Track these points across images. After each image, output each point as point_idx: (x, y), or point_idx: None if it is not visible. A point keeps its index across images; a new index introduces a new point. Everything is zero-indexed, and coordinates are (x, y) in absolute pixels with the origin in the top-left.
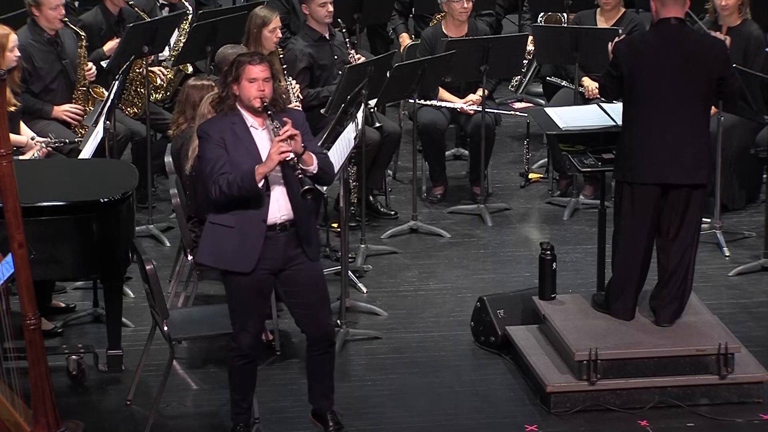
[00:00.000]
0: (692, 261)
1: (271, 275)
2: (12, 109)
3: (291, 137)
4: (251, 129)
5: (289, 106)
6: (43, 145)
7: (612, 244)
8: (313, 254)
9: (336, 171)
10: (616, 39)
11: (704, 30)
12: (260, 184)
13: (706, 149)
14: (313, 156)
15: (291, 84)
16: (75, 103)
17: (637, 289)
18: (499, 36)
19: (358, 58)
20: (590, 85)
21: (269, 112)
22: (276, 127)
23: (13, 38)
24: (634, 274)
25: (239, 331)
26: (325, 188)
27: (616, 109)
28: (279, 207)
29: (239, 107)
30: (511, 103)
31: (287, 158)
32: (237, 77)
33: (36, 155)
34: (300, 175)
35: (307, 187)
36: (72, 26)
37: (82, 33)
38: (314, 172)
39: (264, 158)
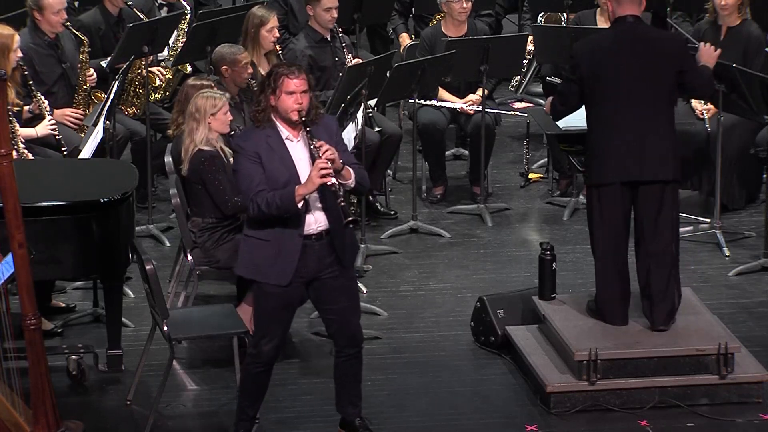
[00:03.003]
0: (676, 259)
1: (302, 285)
2: (16, 109)
3: (331, 159)
4: (286, 141)
5: None
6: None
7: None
8: (347, 261)
9: None
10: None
11: (688, 37)
12: (299, 205)
13: (672, 144)
14: (351, 170)
15: None
16: (76, 107)
17: (622, 295)
18: (499, 36)
19: (356, 62)
20: None
21: (308, 129)
22: (315, 148)
23: (16, 39)
24: (615, 281)
25: (262, 338)
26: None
27: None
28: (315, 218)
29: (274, 118)
30: (511, 103)
31: (328, 183)
32: (275, 89)
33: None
34: (342, 203)
35: (350, 218)
36: (74, 30)
37: (84, 38)
38: (352, 186)
39: (299, 169)
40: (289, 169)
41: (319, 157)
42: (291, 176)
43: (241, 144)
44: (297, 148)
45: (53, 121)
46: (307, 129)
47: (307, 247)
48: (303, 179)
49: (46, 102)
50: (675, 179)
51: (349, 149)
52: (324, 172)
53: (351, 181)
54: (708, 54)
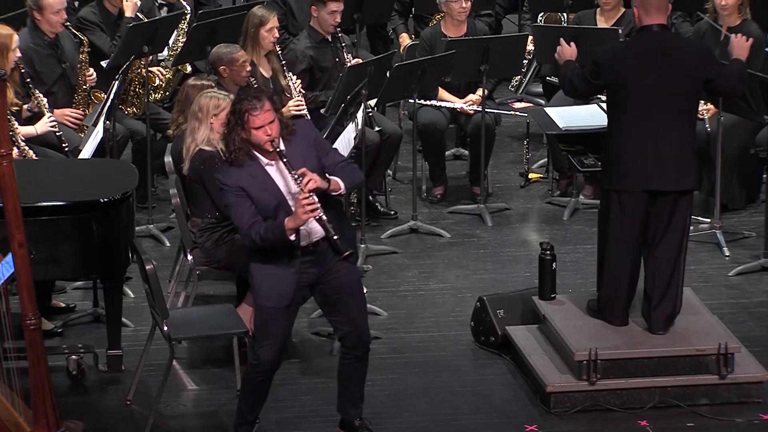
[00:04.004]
0: (680, 266)
1: (305, 288)
2: (14, 108)
3: (312, 190)
4: (267, 168)
5: (291, 103)
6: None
7: (598, 252)
8: (353, 258)
9: None
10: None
11: (711, 23)
12: (292, 237)
13: (692, 154)
14: (338, 180)
15: (292, 80)
16: (75, 107)
17: (628, 296)
18: (499, 36)
19: (356, 62)
20: None
21: (285, 160)
22: (296, 180)
23: (15, 39)
24: (623, 282)
25: (263, 346)
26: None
27: None
28: (309, 233)
29: (251, 147)
30: (511, 103)
31: (316, 217)
32: (243, 126)
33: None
34: (335, 238)
35: (347, 252)
36: (73, 30)
37: (84, 38)
38: (344, 192)
39: (284, 193)
40: (275, 195)
41: (302, 190)
42: (279, 201)
43: (223, 181)
44: (278, 171)
45: (53, 118)
46: (284, 160)
47: (305, 255)
48: (290, 201)
49: (45, 99)
50: (695, 188)
51: (349, 149)
52: (309, 207)
53: (342, 190)
54: (740, 46)
